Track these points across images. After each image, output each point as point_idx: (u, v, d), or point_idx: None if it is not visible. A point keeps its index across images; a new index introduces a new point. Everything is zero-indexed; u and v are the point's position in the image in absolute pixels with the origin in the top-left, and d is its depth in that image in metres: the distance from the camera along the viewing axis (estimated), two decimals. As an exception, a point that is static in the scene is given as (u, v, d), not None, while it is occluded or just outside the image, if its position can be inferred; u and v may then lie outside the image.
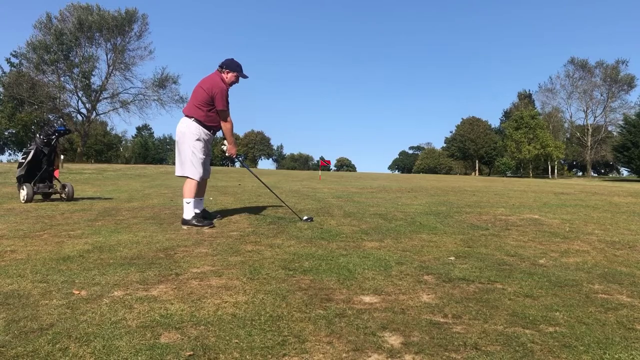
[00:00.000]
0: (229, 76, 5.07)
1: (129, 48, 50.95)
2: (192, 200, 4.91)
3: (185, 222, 4.86)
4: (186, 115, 5.01)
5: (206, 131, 5.00)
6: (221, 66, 5.09)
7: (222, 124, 5.07)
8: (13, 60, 47.51)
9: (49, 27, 47.57)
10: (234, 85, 5.19)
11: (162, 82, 50.85)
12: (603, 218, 5.85)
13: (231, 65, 5.07)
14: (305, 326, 2.15)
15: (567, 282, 2.91)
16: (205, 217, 5.09)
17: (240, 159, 5.81)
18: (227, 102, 5.07)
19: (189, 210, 4.88)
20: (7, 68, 47.59)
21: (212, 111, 4.98)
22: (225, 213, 5.78)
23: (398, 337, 2.05)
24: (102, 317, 2.23)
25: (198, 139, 4.94)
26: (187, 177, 4.97)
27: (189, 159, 4.95)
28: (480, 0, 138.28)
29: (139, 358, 1.81)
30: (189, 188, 4.93)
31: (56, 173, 7.85)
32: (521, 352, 1.91)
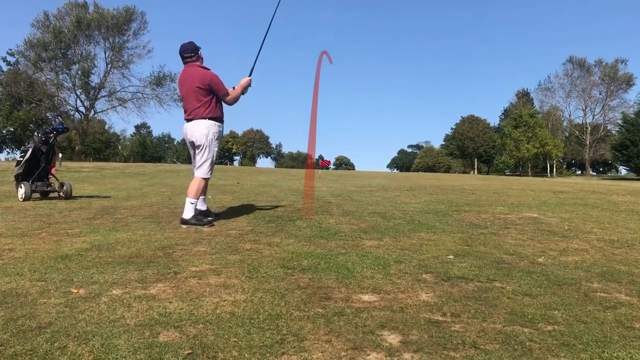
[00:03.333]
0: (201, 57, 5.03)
1: (128, 46, 50.79)
2: (196, 201, 4.87)
3: (184, 221, 4.79)
4: (200, 117, 4.85)
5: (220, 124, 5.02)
6: (192, 55, 4.93)
7: (231, 99, 5.02)
8: (10, 58, 47.45)
9: (47, 25, 47.36)
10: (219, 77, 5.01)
11: (160, 80, 50.75)
12: (602, 217, 5.86)
13: (194, 48, 4.95)
14: (304, 325, 2.15)
15: (566, 281, 2.92)
16: (207, 215, 5.07)
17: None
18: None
19: (190, 210, 4.81)
20: (4, 67, 47.54)
21: (216, 102, 4.96)
22: (224, 212, 5.78)
23: (397, 335, 2.05)
24: (101, 315, 2.23)
25: (217, 139, 4.97)
26: (201, 177, 4.91)
27: (212, 159, 4.94)
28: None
29: (138, 357, 1.81)
30: (200, 188, 4.89)
31: (52, 170, 7.82)
32: (520, 350, 1.91)
